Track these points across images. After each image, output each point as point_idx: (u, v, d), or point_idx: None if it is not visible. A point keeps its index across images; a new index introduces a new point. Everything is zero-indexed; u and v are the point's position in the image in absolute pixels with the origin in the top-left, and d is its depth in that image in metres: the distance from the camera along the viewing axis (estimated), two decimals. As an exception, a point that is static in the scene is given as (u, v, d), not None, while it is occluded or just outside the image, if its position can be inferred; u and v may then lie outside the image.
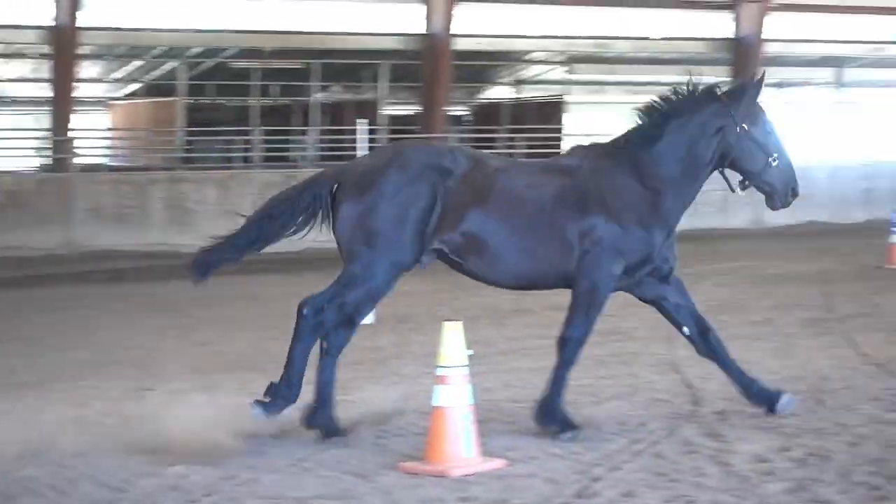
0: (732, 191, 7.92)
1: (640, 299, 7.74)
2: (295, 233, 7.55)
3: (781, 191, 7.72)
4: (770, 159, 7.67)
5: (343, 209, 7.40)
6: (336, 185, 7.51)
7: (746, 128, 7.63)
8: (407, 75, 30.12)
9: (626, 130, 7.79)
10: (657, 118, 7.65)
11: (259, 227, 7.57)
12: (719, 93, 7.77)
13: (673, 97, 7.70)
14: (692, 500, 6.00)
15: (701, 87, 7.77)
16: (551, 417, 7.30)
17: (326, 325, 7.38)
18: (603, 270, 7.37)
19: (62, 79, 24.60)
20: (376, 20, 26.96)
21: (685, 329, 7.59)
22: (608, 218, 7.40)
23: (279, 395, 7.30)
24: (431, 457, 6.59)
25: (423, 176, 7.40)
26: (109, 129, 30.78)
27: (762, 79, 7.83)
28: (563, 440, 7.14)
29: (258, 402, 7.28)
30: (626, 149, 7.65)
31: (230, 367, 10.04)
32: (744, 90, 7.79)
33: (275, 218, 7.55)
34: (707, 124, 7.61)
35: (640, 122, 7.73)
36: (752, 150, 7.66)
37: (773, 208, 7.83)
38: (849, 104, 36.32)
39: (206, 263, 7.56)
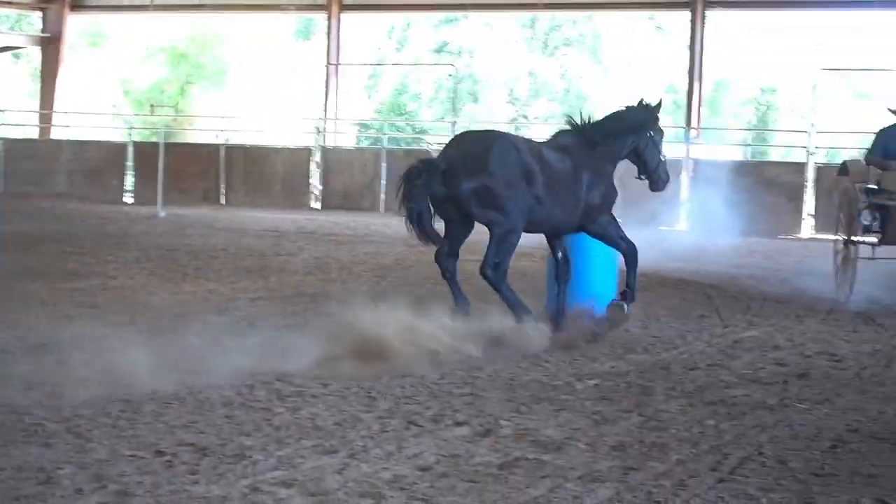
0: (638, 177, 11.61)
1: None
2: None
3: (665, 179, 11.61)
4: (661, 157, 11.55)
5: (465, 185, 10.38)
6: (444, 170, 10.42)
7: (653, 135, 11.46)
8: None
9: (589, 122, 11.30)
10: (609, 120, 11.38)
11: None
12: (645, 107, 11.47)
13: (624, 108, 11.50)
14: None
15: (638, 104, 11.52)
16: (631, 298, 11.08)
17: (506, 269, 10.67)
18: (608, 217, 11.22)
19: None
20: None
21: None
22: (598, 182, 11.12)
23: (523, 318, 10.48)
24: None
25: (512, 152, 10.56)
26: None
27: (661, 101, 11.67)
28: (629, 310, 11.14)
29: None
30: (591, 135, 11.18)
31: None
32: (654, 108, 11.51)
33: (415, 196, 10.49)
34: (630, 128, 11.34)
35: (599, 119, 11.37)
36: (654, 150, 11.48)
37: (658, 190, 11.81)
38: None
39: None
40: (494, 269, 10.59)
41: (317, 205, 32.57)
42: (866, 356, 10.66)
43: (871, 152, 14.61)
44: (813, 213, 28.12)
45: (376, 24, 44.81)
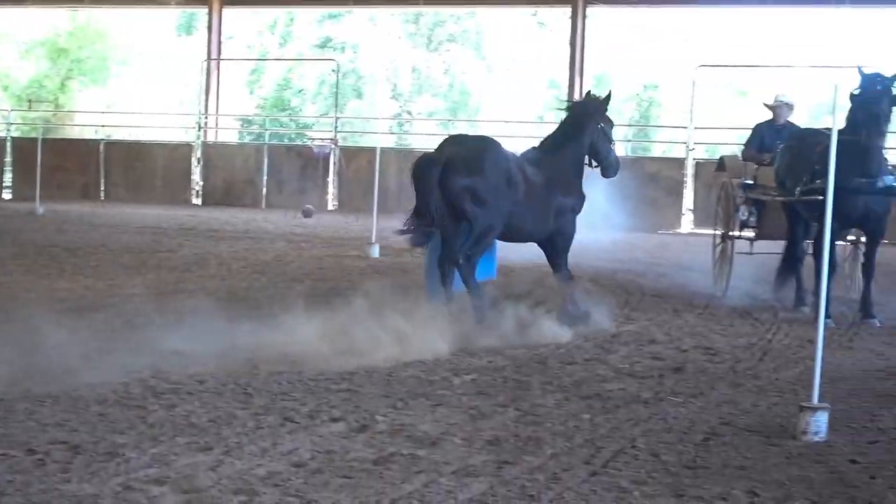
0: (589, 166, 12.36)
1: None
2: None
3: (616, 166, 12.48)
4: (612, 146, 12.41)
5: (459, 183, 11.10)
6: (443, 167, 11.11)
7: (603, 126, 12.26)
8: None
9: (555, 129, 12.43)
10: (567, 120, 12.32)
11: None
12: (594, 100, 12.36)
13: (571, 106, 12.65)
14: None
15: (587, 97, 12.57)
16: (574, 317, 11.49)
17: (476, 262, 11.33)
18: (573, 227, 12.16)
19: None
20: None
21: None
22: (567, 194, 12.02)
23: (482, 311, 11.07)
24: None
25: (501, 159, 11.43)
26: None
27: (610, 93, 12.43)
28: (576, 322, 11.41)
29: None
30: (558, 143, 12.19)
31: None
32: (603, 100, 12.32)
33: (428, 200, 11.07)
34: (584, 127, 12.16)
35: (561, 123, 12.44)
36: (605, 141, 12.30)
37: (609, 177, 12.62)
38: None
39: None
40: (466, 260, 11.30)
41: (198, 200, 32.31)
42: (741, 350, 10.83)
43: (747, 147, 14.86)
44: (692, 208, 28.57)
45: (259, 19, 44.54)
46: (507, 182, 11.41)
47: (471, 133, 13.36)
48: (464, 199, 11.17)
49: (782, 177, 13.56)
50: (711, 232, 16.15)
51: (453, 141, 11.80)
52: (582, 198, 12.30)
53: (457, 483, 6.14)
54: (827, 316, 12.42)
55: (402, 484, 6.09)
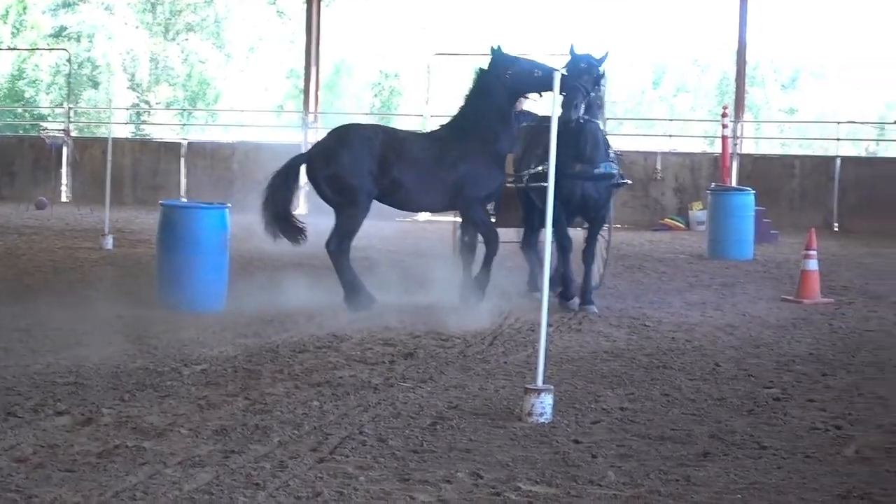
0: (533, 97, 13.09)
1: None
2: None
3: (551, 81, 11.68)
4: (535, 72, 12.48)
5: (321, 175, 12.17)
6: (306, 162, 12.30)
7: (510, 73, 12.54)
8: None
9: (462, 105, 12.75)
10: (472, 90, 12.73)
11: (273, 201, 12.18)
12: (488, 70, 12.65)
13: (473, 84, 12.73)
14: None
15: (481, 72, 12.72)
16: (480, 291, 12.61)
17: (346, 250, 12.16)
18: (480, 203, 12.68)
19: None
20: None
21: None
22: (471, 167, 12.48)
23: (354, 297, 12.14)
24: None
25: (361, 146, 12.14)
26: None
27: (500, 46, 12.78)
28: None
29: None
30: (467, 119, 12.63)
31: None
32: (491, 67, 12.67)
33: (276, 191, 12.18)
34: (491, 85, 12.56)
35: (466, 97, 12.72)
36: (523, 78, 12.51)
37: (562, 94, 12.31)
38: None
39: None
40: (338, 245, 12.10)
41: (-75, 195, 31.14)
42: (472, 335, 10.96)
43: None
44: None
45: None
46: (376, 163, 12.08)
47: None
48: (325, 189, 12.13)
49: (518, 164, 13.81)
50: (452, 219, 16.33)
51: (326, 136, 12.68)
52: (492, 176, 12.53)
53: (182, 473, 6.10)
54: (568, 298, 12.84)
55: (126, 476, 6.02)
